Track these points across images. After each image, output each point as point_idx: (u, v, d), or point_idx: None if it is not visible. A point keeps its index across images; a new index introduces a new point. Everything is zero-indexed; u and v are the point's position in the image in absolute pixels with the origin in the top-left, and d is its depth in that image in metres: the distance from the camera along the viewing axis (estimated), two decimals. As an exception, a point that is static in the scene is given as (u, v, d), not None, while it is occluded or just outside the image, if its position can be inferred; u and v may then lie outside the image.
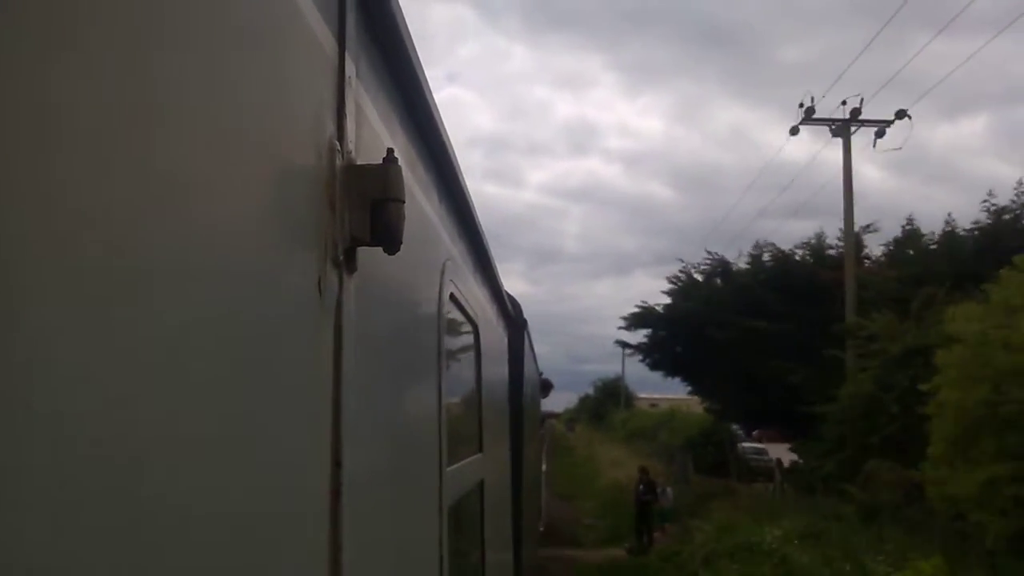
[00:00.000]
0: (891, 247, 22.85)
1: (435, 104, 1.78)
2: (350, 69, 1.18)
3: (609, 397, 71.41)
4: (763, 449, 31.37)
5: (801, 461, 20.70)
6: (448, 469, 2.07)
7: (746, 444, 31.36)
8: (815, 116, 20.80)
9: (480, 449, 3.28)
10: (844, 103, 20.09)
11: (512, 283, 5.11)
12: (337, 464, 1.07)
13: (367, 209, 1.14)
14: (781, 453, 25.30)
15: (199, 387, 0.72)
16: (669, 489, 19.58)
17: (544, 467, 13.31)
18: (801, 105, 20.91)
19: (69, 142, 0.54)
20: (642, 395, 73.56)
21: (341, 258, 1.11)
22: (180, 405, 0.68)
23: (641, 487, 18.50)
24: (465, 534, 2.86)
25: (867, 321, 16.82)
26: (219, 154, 0.78)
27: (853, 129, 20.39)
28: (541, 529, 9.99)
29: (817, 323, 19.44)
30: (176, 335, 0.68)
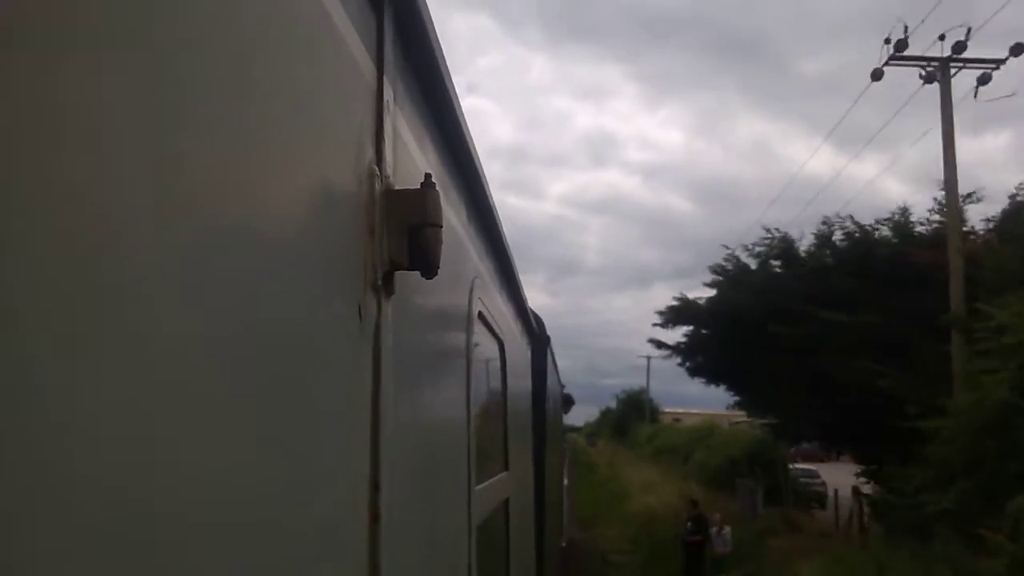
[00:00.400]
0: (996, 221, 17.22)
1: (467, 126, 1.80)
2: (388, 94, 1.19)
3: (633, 410, 67.58)
4: (814, 471, 28.29)
5: (882, 489, 16.38)
6: (476, 488, 2.07)
7: (796, 466, 27.72)
8: (905, 54, 15.77)
9: (506, 467, 3.27)
10: (943, 38, 15.36)
11: (533, 295, 5.10)
12: (376, 488, 1.07)
13: (405, 234, 1.15)
14: (834, 475, 22.02)
15: (240, 412, 0.72)
16: (727, 529, 15.46)
17: (566, 482, 13.24)
18: (887, 41, 15.92)
19: (114, 167, 0.54)
20: (666, 409, 69.07)
21: (380, 283, 1.12)
22: (220, 430, 0.68)
23: (689, 524, 15.05)
24: (492, 552, 2.85)
25: (991, 308, 12.06)
26: (261, 178, 0.78)
27: (953, 71, 15.75)
28: (563, 545, 9.92)
29: (911, 314, 15.51)
30: (218, 360, 0.68)
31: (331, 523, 0.96)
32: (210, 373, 0.66)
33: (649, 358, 65.92)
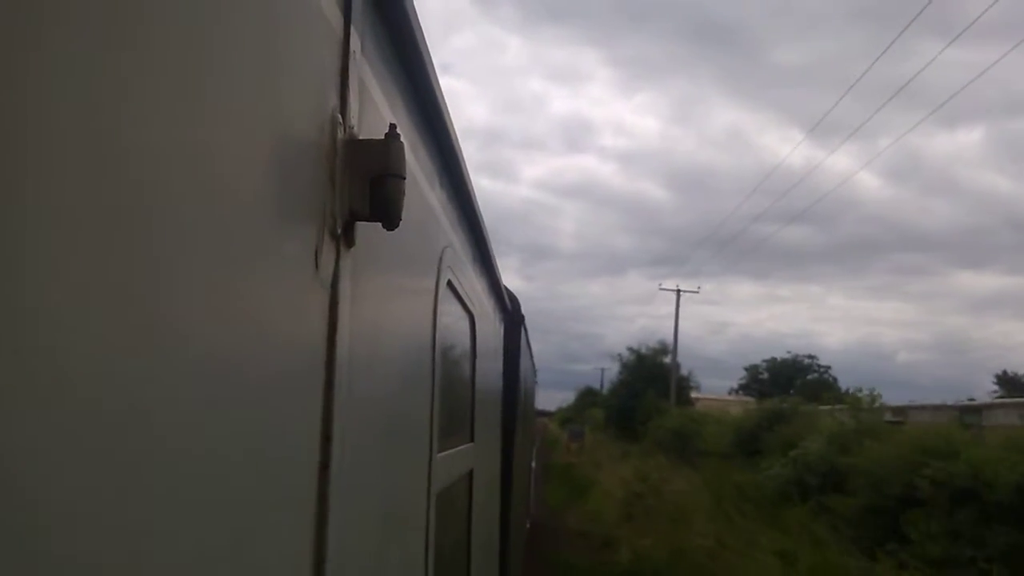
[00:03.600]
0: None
1: (440, 87, 1.78)
2: (355, 43, 1.17)
3: (647, 385, 40.35)
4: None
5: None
6: (438, 455, 2.07)
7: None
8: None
9: (471, 439, 3.28)
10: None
11: (507, 278, 5.05)
12: (327, 438, 1.07)
13: (367, 184, 1.14)
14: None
15: (187, 353, 0.71)
16: None
17: (534, 464, 13.31)
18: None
19: (57, 116, 0.53)
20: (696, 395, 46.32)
21: (339, 231, 1.11)
22: (166, 372, 0.67)
23: None
24: (452, 521, 2.86)
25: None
26: (218, 122, 0.77)
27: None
28: (528, 526, 10.00)
29: None
30: (169, 300, 0.67)
31: (278, 470, 0.95)
32: (158, 316, 0.65)
33: (679, 290, 43.33)
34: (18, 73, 0.49)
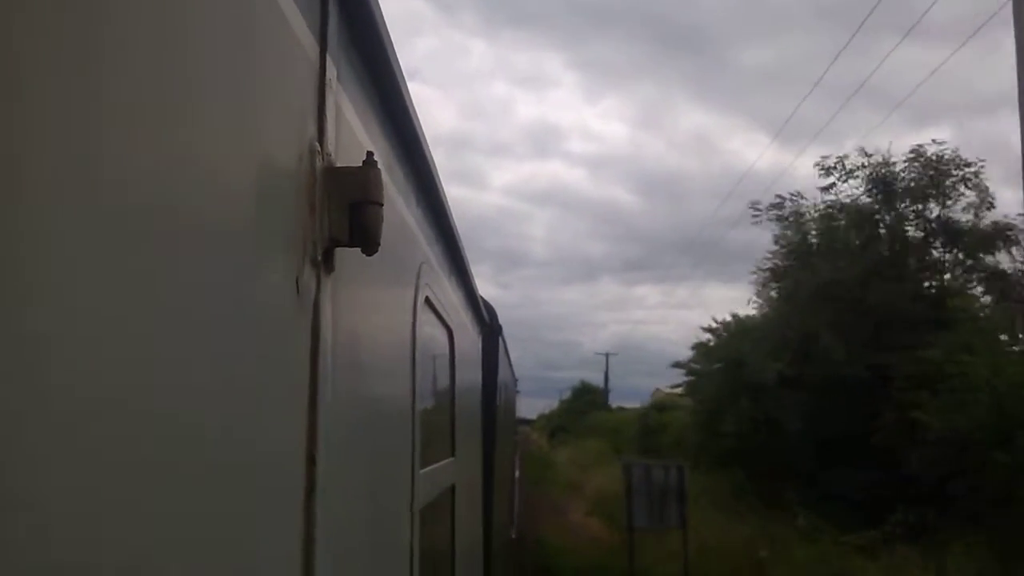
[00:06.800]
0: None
1: (414, 107, 1.80)
2: (331, 71, 1.19)
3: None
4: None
5: None
6: (421, 472, 2.08)
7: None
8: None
9: (452, 453, 3.29)
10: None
11: (481, 286, 5.01)
12: (312, 461, 1.08)
13: (346, 211, 1.16)
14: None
15: (174, 382, 0.72)
16: None
17: (517, 473, 13.29)
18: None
19: (40, 138, 0.54)
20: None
21: (320, 258, 1.12)
22: (154, 400, 0.68)
23: None
24: (435, 537, 2.86)
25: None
26: (198, 153, 0.79)
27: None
28: (513, 536, 9.98)
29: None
30: (152, 330, 0.68)
31: (265, 495, 0.96)
32: (142, 346, 0.67)
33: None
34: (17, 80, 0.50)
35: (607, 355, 61.97)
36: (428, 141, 2.05)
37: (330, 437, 1.14)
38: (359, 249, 1.20)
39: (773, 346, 17.60)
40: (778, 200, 19.05)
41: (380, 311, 1.72)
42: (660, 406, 31.84)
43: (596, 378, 61.58)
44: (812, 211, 18.70)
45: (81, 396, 0.57)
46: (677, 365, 24.14)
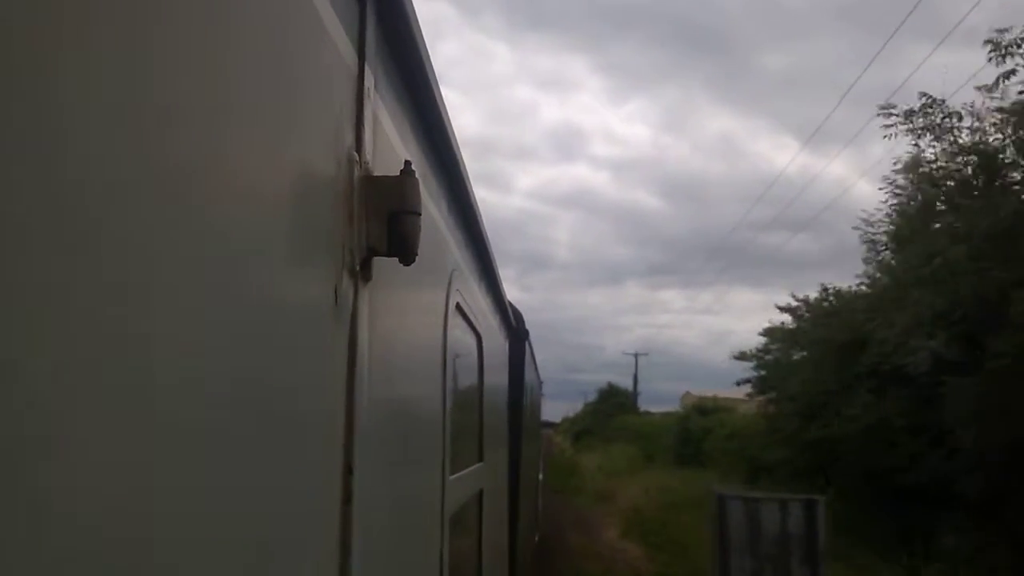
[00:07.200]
0: None
1: (447, 115, 1.81)
2: (369, 80, 1.20)
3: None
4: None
5: None
6: (450, 478, 2.08)
7: None
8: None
9: (480, 459, 3.28)
10: None
11: (507, 290, 4.48)
12: (349, 471, 1.08)
13: (384, 220, 1.16)
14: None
15: (214, 390, 0.73)
16: None
17: (540, 476, 13.27)
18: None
19: (82, 147, 0.54)
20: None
21: (357, 268, 1.12)
22: (194, 408, 0.69)
23: None
24: (464, 542, 2.86)
25: None
26: (238, 162, 0.79)
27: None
28: (536, 539, 9.96)
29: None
30: (192, 339, 0.69)
31: (304, 504, 0.97)
32: (184, 356, 0.67)
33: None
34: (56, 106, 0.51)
35: (636, 355, 57.51)
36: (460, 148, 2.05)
37: (366, 447, 1.14)
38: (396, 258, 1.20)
39: (921, 316, 11.71)
40: (927, 98, 12.17)
41: (413, 318, 1.72)
42: (702, 409, 28.55)
43: (620, 381, 59.02)
44: (987, 116, 11.84)
45: (123, 409, 0.58)
46: (742, 357, 20.21)
